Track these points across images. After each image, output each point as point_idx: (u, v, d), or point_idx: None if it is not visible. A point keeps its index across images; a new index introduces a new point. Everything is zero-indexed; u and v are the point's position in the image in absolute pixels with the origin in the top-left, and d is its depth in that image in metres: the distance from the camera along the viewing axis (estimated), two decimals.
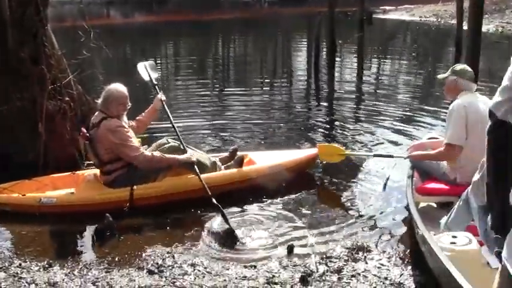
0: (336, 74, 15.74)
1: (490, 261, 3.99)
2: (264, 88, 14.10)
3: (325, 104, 11.98)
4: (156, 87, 7.23)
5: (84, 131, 6.26)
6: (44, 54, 7.41)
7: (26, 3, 7.24)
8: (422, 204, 5.66)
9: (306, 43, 23.38)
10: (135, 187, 6.16)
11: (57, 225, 5.87)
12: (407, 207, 5.64)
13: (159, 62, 19.77)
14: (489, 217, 3.76)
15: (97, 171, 6.50)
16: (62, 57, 8.13)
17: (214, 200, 5.87)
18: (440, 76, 5.88)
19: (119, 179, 6.24)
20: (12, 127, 7.29)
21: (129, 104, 6.45)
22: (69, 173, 6.90)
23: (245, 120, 10.26)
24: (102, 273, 4.77)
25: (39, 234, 5.69)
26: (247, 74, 16.61)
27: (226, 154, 7.12)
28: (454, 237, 4.30)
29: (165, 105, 6.98)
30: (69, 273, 4.78)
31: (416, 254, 4.81)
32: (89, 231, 5.67)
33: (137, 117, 6.92)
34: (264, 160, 7.03)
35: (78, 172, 6.92)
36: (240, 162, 6.81)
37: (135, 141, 6.28)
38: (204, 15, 35.38)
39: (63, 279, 4.65)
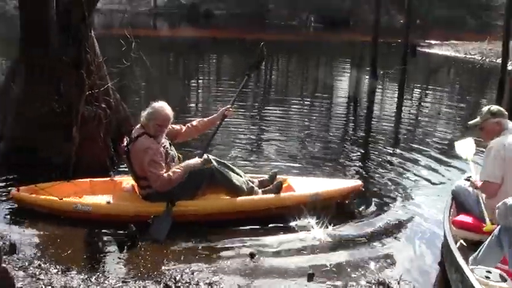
0: (376, 105, 15.62)
1: None
2: (303, 112, 14.05)
3: (363, 133, 11.87)
4: (235, 99, 7.27)
5: (124, 144, 6.29)
6: (85, 59, 7.50)
7: (72, 9, 7.35)
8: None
9: (348, 70, 23.32)
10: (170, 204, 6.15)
11: (79, 230, 5.88)
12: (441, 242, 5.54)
13: (200, 77, 19.90)
14: None
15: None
16: (103, 64, 8.23)
17: None
18: (472, 122, 5.75)
19: (154, 195, 6.22)
20: (47, 128, 7.37)
21: (171, 126, 6.47)
22: (108, 178, 6.98)
23: (283, 142, 10.24)
24: (119, 283, 4.76)
25: (61, 237, 5.71)
26: (288, 96, 16.57)
27: (266, 177, 7.05)
28: (488, 272, 4.24)
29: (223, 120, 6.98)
30: (86, 279, 4.79)
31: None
32: (111, 239, 5.68)
33: (193, 122, 6.88)
34: (302, 187, 6.87)
35: (116, 178, 6.97)
36: (278, 188, 6.67)
37: (163, 164, 6.19)
38: (249, 34, 35.57)
39: (80, 285, 4.66)
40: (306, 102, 15.89)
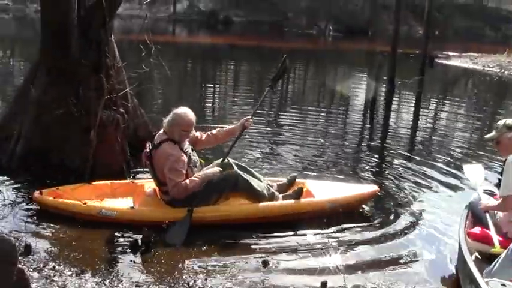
0: (393, 114, 15.61)
1: None
2: (320, 119, 14.09)
3: (379, 141, 11.84)
4: (263, 96, 7.32)
5: (147, 150, 6.32)
6: (104, 64, 7.56)
7: (93, 13, 7.41)
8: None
9: (365, 80, 23.29)
10: (194, 209, 6.18)
11: (93, 233, 5.90)
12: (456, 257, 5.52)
13: (218, 84, 19.96)
14: None
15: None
16: (122, 69, 8.28)
17: None
18: (488, 136, 5.69)
19: (177, 200, 6.25)
20: (64, 131, 7.41)
21: (194, 132, 6.52)
22: (129, 181, 7.07)
23: (300, 148, 10.29)
24: (133, 286, 4.79)
25: (76, 239, 5.73)
26: (305, 104, 16.58)
27: (284, 180, 7.11)
28: (503, 285, 4.20)
29: (243, 131, 6.99)
30: (100, 282, 4.81)
31: None
32: (125, 243, 5.68)
33: (213, 131, 6.91)
34: (321, 193, 6.88)
35: (137, 181, 7.04)
36: (299, 194, 6.68)
37: (184, 172, 6.22)
38: (267, 42, 35.66)
39: None
40: (323, 110, 15.92)
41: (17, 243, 5.27)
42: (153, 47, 8.06)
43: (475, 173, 6.59)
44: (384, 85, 19.10)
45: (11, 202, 6.53)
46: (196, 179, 6.27)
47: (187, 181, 6.20)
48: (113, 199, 6.56)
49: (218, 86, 19.41)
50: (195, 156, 6.52)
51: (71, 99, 7.34)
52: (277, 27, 47.73)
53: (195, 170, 6.41)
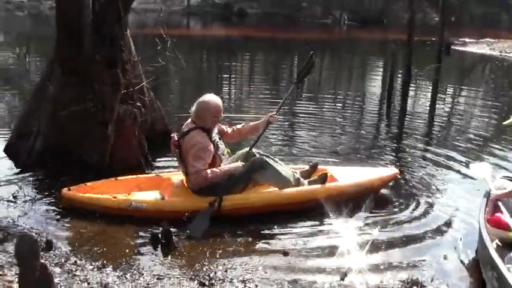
0: (409, 101, 15.51)
1: None
2: (337, 108, 14.08)
3: (396, 129, 11.81)
4: (288, 94, 7.36)
5: (176, 138, 6.35)
6: (120, 58, 7.57)
7: (108, 9, 7.41)
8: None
9: (381, 68, 23.19)
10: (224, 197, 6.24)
11: (114, 227, 5.94)
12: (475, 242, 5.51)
13: (233, 75, 19.98)
14: None
15: (183, 176, 6.60)
16: (138, 63, 8.29)
17: None
18: (507, 122, 5.64)
19: (204, 189, 6.28)
20: (82, 127, 7.43)
21: (218, 125, 6.57)
22: (154, 175, 7.12)
23: (317, 136, 10.40)
24: (154, 279, 4.81)
25: (96, 234, 5.76)
26: (321, 93, 16.54)
27: (307, 167, 7.18)
28: None
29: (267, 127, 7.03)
30: (121, 275, 4.84)
31: None
32: (146, 236, 5.71)
33: (238, 126, 6.97)
34: (345, 177, 6.98)
35: (162, 175, 7.08)
36: (324, 179, 6.76)
37: (207, 161, 6.26)
38: (282, 33, 35.56)
39: (115, 282, 4.71)
40: (339, 99, 15.91)
41: (38, 239, 5.32)
42: (168, 40, 8.07)
43: (481, 170, 6.59)
44: (401, 73, 18.99)
45: (31, 198, 6.57)
46: (218, 171, 6.30)
47: (209, 171, 6.23)
48: (140, 192, 6.60)
49: (234, 77, 19.44)
50: (222, 145, 6.58)
51: (88, 95, 7.36)
52: (292, 18, 47.55)
53: (223, 158, 6.49)
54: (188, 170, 6.26)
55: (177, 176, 6.81)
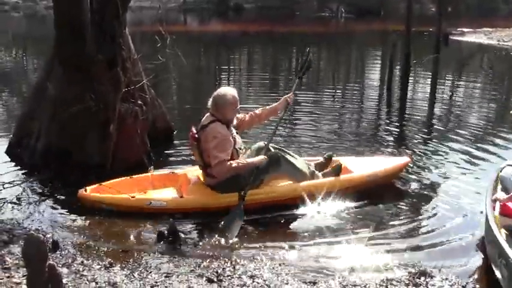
0: (409, 93, 15.49)
1: None
2: (337, 100, 14.16)
3: (397, 120, 11.81)
4: (295, 84, 7.30)
5: (194, 131, 6.35)
6: (120, 57, 7.54)
7: (106, 6, 7.38)
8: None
9: (380, 60, 23.17)
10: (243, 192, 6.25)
11: (120, 226, 5.93)
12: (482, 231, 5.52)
13: (232, 70, 19.97)
14: None
15: (198, 172, 6.62)
16: (138, 61, 8.27)
17: None
18: None
19: (222, 184, 6.29)
20: (83, 126, 7.41)
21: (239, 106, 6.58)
22: (168, 172, 7.09)
23: (324, 128, 10.54)
24: (162, 277, 4.78)
25: (102, 234, 5.75)
26: (321, 86, 16.58)
27: (321, 159, 7.18)
28: None
29: (286, 108, 7.06)
30: (129, 274, 4.81)
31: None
32: (152, 234, 5.69)
33: (256, 111, 6.95)
34: (358, 168, 7.03)
35: (177, 172, 7.06)
36: (338, 170, 6.80)
37: (229, 152, 6.26)
38: (279, 27, 35.51)
39: (123, 280, 4.69)
40: (338, 91, 15.94)
41: (44, 240, 5.30)
42: (168, 37, 8.05)
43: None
44: (399, 64, 18.99)
45: (36, 200, 6.56)
46: (242, 163, 6.31)
47: (234, 162, 6.24)
48: (156, 190, 6.59)
49: (233, 72, 19.49)
50: (239, 139, 6.58)
51: (88, 95, 7.33)
52: (289, 11, 47.52)
53: (241, 152, 6.49)
54: (211, 161, 6.24)
55: (193, 172, 6.79)
